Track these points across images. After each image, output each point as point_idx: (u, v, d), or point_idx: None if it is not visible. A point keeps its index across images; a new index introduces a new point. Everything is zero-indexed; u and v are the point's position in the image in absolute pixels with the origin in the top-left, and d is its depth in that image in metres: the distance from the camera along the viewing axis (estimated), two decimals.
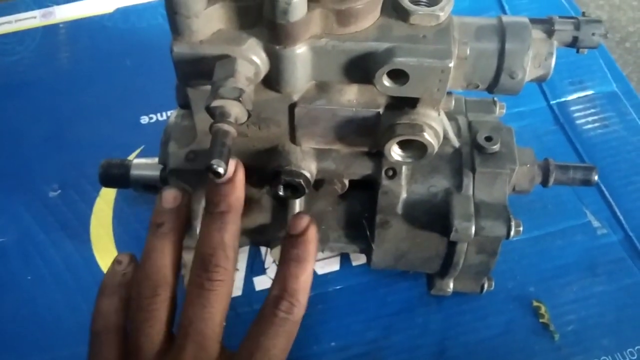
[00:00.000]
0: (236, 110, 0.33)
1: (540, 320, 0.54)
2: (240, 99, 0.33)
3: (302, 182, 0.42)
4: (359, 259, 0.57)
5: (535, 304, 0.54)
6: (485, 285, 0.52)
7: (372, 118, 0.40)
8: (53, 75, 0.71)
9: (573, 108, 0.68)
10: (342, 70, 0.37)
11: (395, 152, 0.40)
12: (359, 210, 0.49)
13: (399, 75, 0.36)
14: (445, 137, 0.44)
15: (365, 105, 0.40)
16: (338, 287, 0.56)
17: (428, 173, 0.46)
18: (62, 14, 0.76)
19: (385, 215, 0.46)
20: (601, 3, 0.90)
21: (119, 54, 0.72)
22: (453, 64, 0.35)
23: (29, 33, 0.74)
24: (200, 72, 0.36)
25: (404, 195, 0.45)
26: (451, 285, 0.52)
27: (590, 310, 0.54)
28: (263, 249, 0.58)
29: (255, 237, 0.50)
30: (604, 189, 0.62)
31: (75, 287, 0.56)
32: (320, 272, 0.57)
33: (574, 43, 0.40)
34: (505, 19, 0.39)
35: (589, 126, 0.66)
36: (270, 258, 0.58)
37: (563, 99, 0.68)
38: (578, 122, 0.67)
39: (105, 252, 0.58)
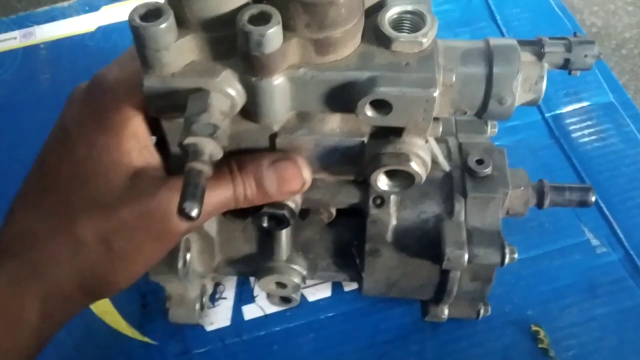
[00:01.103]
0: (210, 148, 0.31)
1: (540, 346, 0.52)
2: (215, 135, 0.31)
3: (286, 214, 0.40)
4: (350, 285, 0.55)
5: (534, 328, 0.52)
6: (482, 311, 0.50)
7: (356, 147, 0.38)
8: (34, 97, 0.69)
9: (568, 121, 0.66)
10: (323, 100, 0.35)
11: (382, 182, 0.39)
12: (347, 238, 0.47)
13: (382, 105, 0.34)
14: (435, 162, 0.42)
15: (348, 134, 0.38)
16: (330, 314, 0.54)
17: (418, 199, 0.44)
18: (42, 33, 0.74)
19: (374, 243, 0.44)
20: (595, 9, 0.88)
21: None
22: (438, 92, 0.33)
23: (9, 55, 0.72)
24: (172, 105, 0.34)
25: (393, 222, 0.44)
26: (446, 311, 0.50)
27: (591, 334, 0.52)
28: (252, 277, 0.56)
29: (241, 268, 0.49)
30: (602, 205, 0.60)
31: None
32: (311, 298, 0.55)
33: (565, 65, 0.39)
34: (492, 41, 0.37)
35: (586, 139, 0.65)
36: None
37: (558, 112, 0.66)
38: (574, 135, 0.65)
39: None
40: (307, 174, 0.38)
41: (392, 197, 0.43)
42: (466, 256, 0.42)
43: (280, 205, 0.40)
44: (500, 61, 0.36)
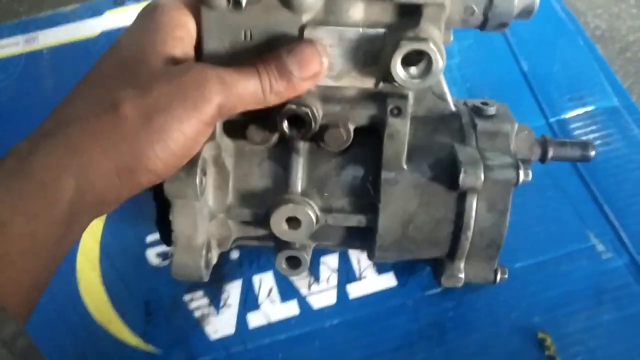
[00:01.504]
0: None
1: (546, 353, 0.52)
2: None
3: (309, 113, 0.42)
4: (356, 292, 0.55)
5: (540, 335, 0.52)
6: (499, 274, 0.49)
7: (377, 40, 0.41)
8: (38, 102, 0.68)
9: (573, 125, 0.66)
10: None
11: (401, 72, 0.40)
12: (363, 173, 0.47)
13: None
14: (445, 99, 0.46)
15: (371, 24, 0.41)
16: (335, 322, 0.54)
17: (431, 132, 0.46)
18: (45, 39, 0.73)
19: (391, 169, 0.44)
20: (599, 12, 0.88)
21: None
22: None
23: (12, 60, 0.72)
24: None
25: (409, 141, 0.45)
26: (462, 272, 0.48)
27: (598, 341, 0.52)
28: (256, 284, 0.56)
29: (255, 207, 0.47)
30: (607, 210, 0.60)
31: (63, 329, 0.54)
32: (316, 306, 0.55)
33: None
34: None
35: None
36: (264, 293, 0.56)
37: (562, 116, 0.66)
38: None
39: (91, 290, 0.57)
40: (324, 54, 0.41)
41: (409, 109, 0.44)
42: (482, 170, 0.43)
43: (304, 104, 0.42)
44: None
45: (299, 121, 0.43)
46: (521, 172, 0.44)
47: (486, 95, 0.67)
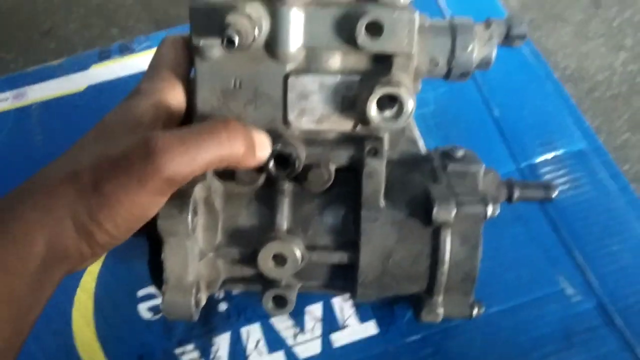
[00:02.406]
0: (245, 23, 0.41)
1: None
2: (248, 17, 0.41)
3: (293, 154, 0.45)
4: (339, 341, 0.58)
5: None
6: (475, 310, 0.52)
7: (354, 86, 0.46)
8: (28, 159, 0.71)
9: (543, 170, 0.69)
10: (329, 31, 0.44)
11: (376, 114, 0.44)
12: (344, 212, 0.50)
13: (376, 30, 0.43)
14: (416, 144, 0.50)
15: (348, 72, 0.46)
16: None
17: (405, 173, 0.50)
18: (34, 94, 0.76)
19: (370, 207, 0.48)
20: (569, 51, 0.92)
21: None
22: (418, 17, 0.43)
23: (1, 117, 0.74)
24: (211, 25, 0.43)
25: (385, 181, 0.48)
26: (441, 305, 0.51)
27: None
28: (244, 335, 0.59)
29: (242, 246, 0.50)
30: (576, 253, 0.63)
31: None
32: (302, 356, 0.58)
33: (507, 34, 0.49)
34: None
35: (560, 188, 0.67)
36: (251, 344, 0.58)
37: (533, 161, 0.69)
38: None
39: (87, 345, 0.59)
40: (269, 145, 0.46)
41: (385, 149, 0.48)
42: (453, 205, 0.46)
43: (289, 145, 0.46)
44: (458, 19, 0.48)
45: (284, 161, 0.46)
46: (489, 207, 0.48)
47: (460, 142, 0.71)
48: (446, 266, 0.48)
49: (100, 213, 0.39)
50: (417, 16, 0.44)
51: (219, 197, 0.49)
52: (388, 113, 0.44)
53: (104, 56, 0.78)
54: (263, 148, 0.45)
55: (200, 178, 0.45)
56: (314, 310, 0.60)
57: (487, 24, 0.49)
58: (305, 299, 0.59)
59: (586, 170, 0.69)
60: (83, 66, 0.78)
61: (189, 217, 0.45)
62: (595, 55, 0.91)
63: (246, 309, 0.60)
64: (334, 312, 0.60)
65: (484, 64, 0.49)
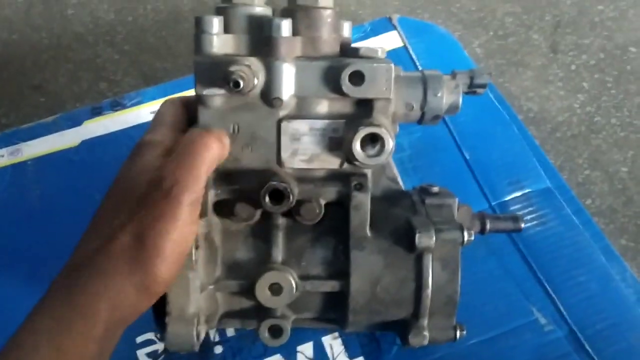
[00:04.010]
0: (246, 71, 0.47)
1: None
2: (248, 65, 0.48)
3: (287, 189, 0.49)
4: None
5: None
6: (458, 333, 0.55)
7: (340, 128, 0.51)
8: (25, 216, 0.74)
9: (512, 208, 0.74)
10: (317, 81, 0.50)
11: (360, 152, 0.49)
12: (334, 242, 0.54)
13: (358, 79, 0.49)
14: (396, 182, 0.56)
15: (334, 116, 0.51)
16: None
17: (388, 207, 0.54)
18: (29, 150, 0.79)
19: (357, 237, 0.52)
20: (531, 95, 0.98)
21: (88, 189, 0.73)
22: (394, 67, 0.49)
23: None
24: (214, 77, 0.48)
25: (370, 214, 0.53)
26: (426, 328, 0.54)
27: None
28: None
29: (241, 279, 0.53)
30: (546, 285, 0.68)
31: None
32: None
33: (470, 84, 0.56)
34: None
35: (528, 224, 0.72)
36: None
37: (503, 200, 0.75)
38: None
39: None
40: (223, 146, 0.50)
41: (369, 184, 0.53)
42: (433, 232, 0.51)
43: (283, 180, 0.50)
44: (428, 71, 0.55)
45: (279, 197, 0.50)
46: (465, 233, 0.52)
47: (435, 183, 0.76)
48: (429, 290, 0.52)
49: (153, 265, 0.43)
50: (393, 66, 0.49)
51: (218, 233, 0.53)
52: (371, 151, 0.50)
53: (96, 112, 0.82)
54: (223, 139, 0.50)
55: (202, 213, 0.49)
56: (305, 349, 0.64)
57: (453, 75, 0.56)
58: (297, 338, 0.62)
59: (552, 207, 0.74)
60: (76, 122, 0.81)
61: (192, 251, 0.49)
62: (556, 98, 0.98)
63: (241, 350, 0.63)
64: (325, 350, 0.64)
65: (453, 108, 0.55)
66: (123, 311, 0.44)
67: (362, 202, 0.52)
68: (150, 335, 0.64)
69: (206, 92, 0.49)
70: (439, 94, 0.53)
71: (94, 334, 0.42)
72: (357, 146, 0.49)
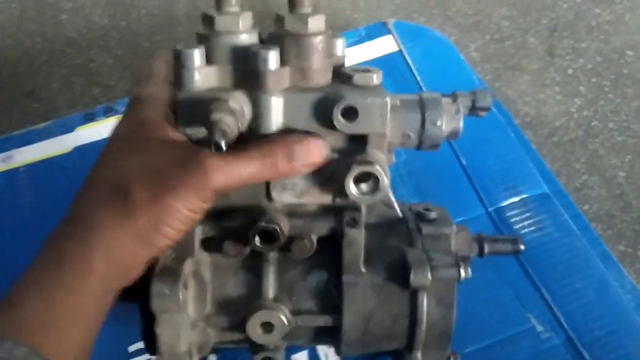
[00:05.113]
0: (229, 121, 0.42)
1: None
2: (232, 111, 0.43)
3: (277, 229, 0.47)
4: None
5: None
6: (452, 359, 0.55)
7: (333, 162, 0.48)
8: (18, 222, 0.73)
9: (509, 213, 0.74)
10: (307, 114, 0.46)
11: (354, 190, 0.47)
12: (326, 277, 0.52)
13: (351, 114, 0.45)
14: (392, 207, 0.53)
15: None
16: None
17: (383, 237, 0.52)
18: (22, 157, 0.78)
19: (350, 272, 0.50)
20: (528, 99, 0.97)
21: None
22: (389, 101, 0.46)
23: None
24: (197, 116, 0.45)
25: (364, 250, 0.51)
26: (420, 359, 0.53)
27: None
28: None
29: (231, 315, 0.52)
30: (544, 292, 0.67)
31: None
32: None
33: (473, 106, 0.54)
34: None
35: (525, 230, 0.72)
36: None
37: (499, 205, 0.74)
38: (515, 227, 0.72)
39: None
40: (326, 146, 0.47)
41: (362, 219, 0.50)
42: (429, 270, 0.49)
43: (273, 222, 0.48)
44: (426, 94, 0.52)
45: (269, 237, 0.48)
46: (462, 271, 0.50)
47: (431, 189, 0.75)
48: (424, 326, 0.51)
49: (163, 222, 0.42)
50: (388, 100, 0.46)
51: (207, 268, 0.52)
52: (365, 187, 0.47)
53: (88, 118, 0.81)
54: (309, 153, 0.46)
55: (189, 253, 0.48)
56: (300, 358, 0.63)
57: (454, 97, 0.53)
58: (291, 347, 0.62)
59: (549, 212, 0.74)
60: (69, 128, 0.81)
61: (180, 294, 0.47)
62: (553, 102, 0.97)
63: (235, 359, 0.63)
64: (319, 358, 0.63)
65: (453, 134, 0.52)
66: (121, 263, 0.43)
67: (356, 239, 0.50)
68: (142, 345, 0.63)
69: (188, 131, 0.47)
70: (439, 123, 0.51)
71: (88, 287, 0.41)
72: (350, 185, 0.47)
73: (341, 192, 0.48)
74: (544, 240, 0.71)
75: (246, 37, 0.46)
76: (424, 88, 0.84)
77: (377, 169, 0.46)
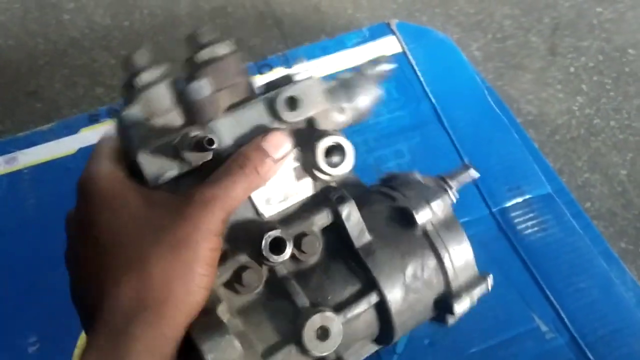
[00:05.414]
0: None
1: None
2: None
3: (282, 234, 0.47)
4: None
5: None
6: (489, 280, 0.54)
7: (297, 156, 0.49)
8: (22, 224, 0.73)
9: (513, 214, 0.74)
10: (257, 122, 0.48)
11: (326, 166, 0.48)
12: (344, 263, 0.51)
13: (294, 104, 0.48)
14: (361, 185, 0.53)
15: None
16: None
17: (368, 207, 0.52)
18: (25, 159, 0.78)
19: (362, 243, 0.50)
20: (530, 98, 0.98)
21: None
22: (317, 78, 0.49)
23: None
24: (163, 161, 0.45)
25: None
26: (464, 292, 0.52)
27: None
28: None
29: (279, 344, 0.49)
30: (548, 292, 0.67)
31: None
32: None
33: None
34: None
35: (529, 231, 0.72)
36: None
37: (503, 206, 0.74)
38: (519, 227, 0.73)
39: None
40: (287, 134, 0.47)
41: (347, 194, 0.50)
42: (424, 202, 0.50)
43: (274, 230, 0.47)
44: (343, 75, 0.53)
45: (277, 246, 0.47)
46: (450, 192, 0.52)
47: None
48: (448, 253, 0.51)
49: (194, 274, 0.41)
50: (317, 77, 0.49)
51: (237, 312, 0.49)
52: (334, 160, 0.49)
53: (93, 119, 0.81)
54: (276, 147, 0.47)
55: (215, 301, 0.46)
56: None
57: (365, 67, 0.55)
58: None
59: (553, 212, 0.74)
60: (73, 130, 0.80)
61: (233, 340, 0.45)
62: (555, 101, 0.97)
63: None
64: None
65: (373, 100, 0.55)
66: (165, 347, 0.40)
67: (352, 211, 0.50)
68: None
69: (162, 180, 0.46)
70: (359, 90, 0.53)
71: None
72: (321, 161, 0.48)
73: (317, 176, 0.49)
74: (548, 241, 0.72)
75: (164, 81, 0.47)
76: (427, 88, 0.84)
77: (337, 137, 0.48)
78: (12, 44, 1.05)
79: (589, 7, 1.07)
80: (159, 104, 0.47)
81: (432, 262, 0.52)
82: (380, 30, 0.87)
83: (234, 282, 0.49)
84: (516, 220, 0.73)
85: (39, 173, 0.77)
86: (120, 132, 0.46)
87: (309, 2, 1.03)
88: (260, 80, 0.54)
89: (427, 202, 0.51)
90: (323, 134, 0.49)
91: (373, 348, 0.57)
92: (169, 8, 1.05)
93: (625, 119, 0.97)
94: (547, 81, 1.00)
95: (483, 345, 0.63)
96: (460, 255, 0.52)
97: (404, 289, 0.52)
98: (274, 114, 0.48)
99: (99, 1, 1.08)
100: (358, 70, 0.56)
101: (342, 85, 0.54)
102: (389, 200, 0.54)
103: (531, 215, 0.74)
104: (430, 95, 0.84)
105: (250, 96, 0.50)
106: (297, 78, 0.50)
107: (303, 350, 0.48)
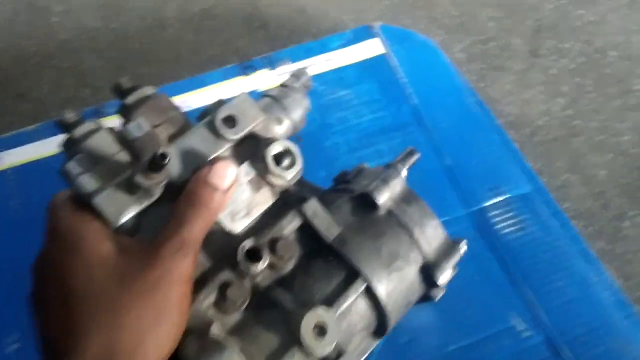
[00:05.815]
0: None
1: None
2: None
3: (255, 242, 0.48)
4: None
5: None
6: (463, 244, 0.55)
7: (248, 169, 0.51)
8: (6, 225, 0.74)
9: (491, 214, 0.75)
10: (201, 145, 0.49)
11: (277, 169, 0.50)
12: (322, 261, 0.52)
13: (232, 122, 0.49)
14: (315, 186, 0.55)
15: (238, 163, 0.51)
16: None
17: (329, 206, 0.53)
18: (10, 159, 0.79)
19: (335, 237, 0.51)
20: (512, 99, 0.99)
21: None
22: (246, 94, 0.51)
23: None
24: (120, 203, 0.46)
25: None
26: (444, 262, 0.54)
27: None
28: None
29: (280, 350, 0.50)
30: (525, 290, 0.68)
31: None
32: None
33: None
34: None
35: (508, 230, 0.73)
36: None
37: (482, 205, 0.75)
38: (497, 226, 0.74)
39: None
40: (231, 160, 0.48)
41: (307, 194, 0.52)
42: (380, 183, 0.53)
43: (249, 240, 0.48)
44: (271, 91, 0.56)
45: (254, 255, 0.48)
46: (401, 168, 0.54)
47: (414, 189, 0.76)
48: (417, 224, 0.53)
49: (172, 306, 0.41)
50: (245, 92, 0.51)
51: (229, 332, 0.50)
52: (285, 163, 0.51)
53: None
54: (222, 178, 0.46)
55: (208, 322, 0.47)
56: None
57: (290, 82, 0.58)
58: None
59: (531, 212, 0.75)
60: (58, 130, 0.81)
61: (233, 353, 0.46)
62: (536, 102, 0.99)
63: None
64: None
65: (304, 109, 0.57)
66: None
67: (316, 208, 0.52)
68: None
69: (123, 219, 0.46)
70: (290, 102, 0.56)
71: None
72: (272, 165, 0.50)
73: (274, 182, 0.51)
74: (526, 240, 0.73)
75: (105, 131, 0.48)
76: (409, 90, 0.85)
77: (285, 141, 0.50)
78: (1, 46, 1.06)
79: (571, 9, 1.08)
80: (103, 148, 0.48)
81: (404, 236, 0.53)
82: (363, 33, 0.88)
83: (221, 302, 0.49)
84: (494, 220, 0.74)
85: (23, 173, 0.78)
86: (71, 185, 0.47)
87: (296, 5, 1.04)
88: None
89: (382, 181, 0.53)
90: (269, 141, 0.51)
91: (373, 342, 0.58)
92: (157, 11, 1.06)
93: (605, 120, 0.99)
94: (528, 82, 1.01)
95: (460, 343, 0.65)
96: (427, 224, 0.54)
97: (386, 269, 0.53)
98: (217, 134, 0.49)
99: (88, 4, 1.08)
100: (284, 86, 0.58)
101: (273, 99, 0.56)
102: (347, 194, 0.55)
103: (510, 214, 0.75)
104: (412, 96, 0.85)
105: (187, 125, 0.51)
106: (224, 102, 0.51)
107: (305, 351, 0.48)
